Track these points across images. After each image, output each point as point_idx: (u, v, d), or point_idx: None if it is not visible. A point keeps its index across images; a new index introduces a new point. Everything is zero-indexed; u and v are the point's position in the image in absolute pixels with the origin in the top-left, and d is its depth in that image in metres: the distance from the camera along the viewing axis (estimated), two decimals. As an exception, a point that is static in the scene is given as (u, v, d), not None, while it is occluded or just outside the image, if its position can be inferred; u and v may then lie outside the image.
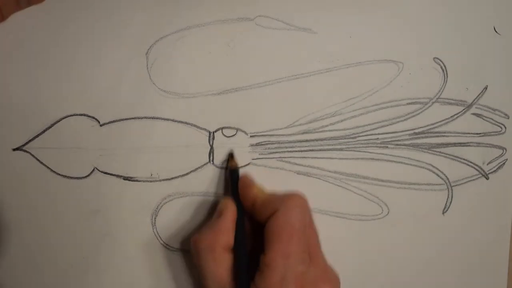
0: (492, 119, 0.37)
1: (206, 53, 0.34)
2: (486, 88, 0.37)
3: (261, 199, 0.31)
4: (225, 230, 0.30)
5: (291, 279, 0.27)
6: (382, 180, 0.36)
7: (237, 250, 0.30)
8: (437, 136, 0.36)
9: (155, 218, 0.34)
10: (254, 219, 0.31)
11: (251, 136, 0.35)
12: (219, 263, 0.29)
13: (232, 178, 0.33)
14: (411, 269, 0.36)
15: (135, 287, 0.34)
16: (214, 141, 0.34)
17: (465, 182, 0.37)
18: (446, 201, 0.36)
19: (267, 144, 0.35)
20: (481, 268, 0.37)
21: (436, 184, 0.36)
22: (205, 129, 0.34)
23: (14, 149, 0.33)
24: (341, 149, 0.36)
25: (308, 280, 0.28)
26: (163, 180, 0.34)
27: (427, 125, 0.36)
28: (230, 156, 0.34)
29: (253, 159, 0.35)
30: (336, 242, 0.36)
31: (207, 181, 0.34)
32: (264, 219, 0.30)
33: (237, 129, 0.35)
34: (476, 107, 0.37)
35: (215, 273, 0.29)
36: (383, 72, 0.36)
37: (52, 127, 0.33)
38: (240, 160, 0.35)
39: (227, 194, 0.35)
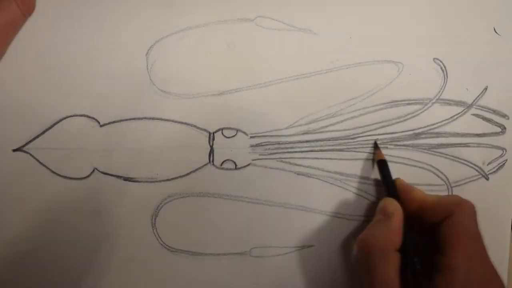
0: (492, 120, 0.37)
1: (206, 54, 0.34)
2: (486, 88, 0.37)
3: (431, 202, 0.32)
4: (397, 232, 0.30)
5: (474, 281, 0.28)
6: (382, 181, 0.36)
7: (408, 252, 0.30)
8: (437, 137, 0.36)
9: (155, 219, 0.34)
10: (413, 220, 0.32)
11: (251, 137, 0.35)
12: (391, 265, 0.29)
13: (382, 170, 0.34)
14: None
15: (135, 288, 0.34)
16: (214, 141, 0.34)
17: (465, 183, 0.37)
18: (446, 202, 0.36)
19: (267, 144, 0.35)
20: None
21: (436, 185, 0.36)
22: (205, 130, 0.34)
23: (14, 150, 0.33)
24: (341, 150, 0.36)
25: (484, 281, 0.29)
26: (163, 180, 0.34)
27: (427, 126, 0.36)
28: (375, 146, 0.35)
29: (253, 160, 0.35)
30: (336, 242, 0.36)
31: (207, 181, 0.34)
32: (435, 221, 0.31)
33: (237, 130, 0.35)
34: (476, 108, 0.37)
35: (385, 275, 0.29)
36: (383, 72, 0.36)
37: (52, 128, 0.33)
38: (239, 161, 0.35)
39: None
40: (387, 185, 0.34)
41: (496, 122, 0.37)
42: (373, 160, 0.36)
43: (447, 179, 0.36)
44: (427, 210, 0.31)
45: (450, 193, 0.36)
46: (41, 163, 0.33)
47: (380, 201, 0.33)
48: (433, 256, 0.30)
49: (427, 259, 0.30)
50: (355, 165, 0.36)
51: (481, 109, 0.37)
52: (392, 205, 0.31)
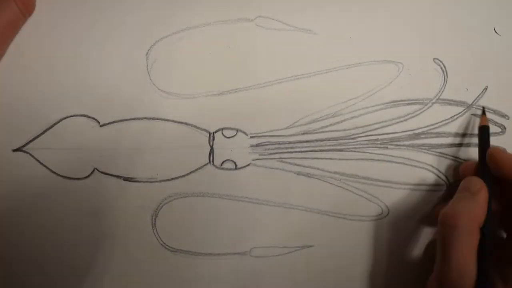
0: (492, 120, 0.37)
1: (206, 54, 0.34)
2: (486, 88, 0.37)
3: None
4: (483, 210, 0.30)
5: None
6: (382, 181, 0.36)
7: (486, 232, 0.30)
8: (437, 137, 0.36)
9: (155, 219, 0.34)
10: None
11: (251, 137, 0.35)
12: (472, 242, 0.29)
13: (482, 138, 0.34)
14: (411, 269, 0.36)
15: (135, 288, 0.34)
16: (214, 141, 0.34)
17: (465, 183, 0.37)
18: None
19: (267, 144, 0.35)
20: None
21: (436, 185, 0.36)
22: (205, 130, 0.34)
23: (14, 150, 0.33)
24: (341, 150, 0.36)
25: None
26: (163, 180, 0.34)
27: (427, 126, 0.36)
28: (483, 112, 0.35)
29: (253, 160, 0.35)
30: (336, 242, 0.36)
31: (207, 181, 0.34)
32: None
33: (237, 130, 0.35)
34: (476, 108, 0.37)
35: (465, 252, 0.29)
36: (383, 72, 0.36)
37: (52, 128, 0.33)
38: (239, 161, 0.35)
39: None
40: (481, 153, 0.33)
41: (496, 122, 0.37)
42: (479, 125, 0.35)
43: (447, 179, 0.36)
44: None
45: (450, 194, 0.36)
46: (41, 163, 0.33)
47: (465, 179, 0.32)
48: None
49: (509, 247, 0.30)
50: (355, 165, 0.36)
51: (481, 109, 0.37)
52: (478, 183, 0.31)
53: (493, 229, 0.31)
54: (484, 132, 0.34)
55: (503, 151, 0.33)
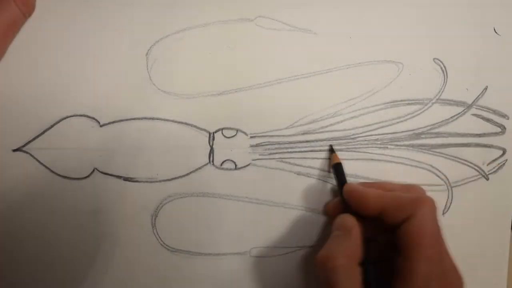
0: (492, 120, 0.37)
1: (206, 54, 0.34)
2: (486, 88, 0.37)
3: (390, 206, 0.30)
4: (358, 246, 0.30)
5: (434, 283, 0.28)
6: (382, 181, 0.36)
7: (367, 266, 0.30)
8: (437, 137, 0.36)
9: (155, 219, 0.34)
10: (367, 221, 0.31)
11: (251, 137, 0.35)
12: (354, 279, 0.29)
13: (337, 174, 0.34)
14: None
15: (135, 288, 0.34)
16: (214, 141, 0.34)
17: (465, 183, 0.37)
18: (446, 202, 0.36)
19: (267, 144, 0.35)
20: (481, 268, 0.37)
21: (436, 185, 0.36)
22: (205, 130, 0.34)
23: (14, 150, 0.33)
24: (341, 150, 0.36)
25: (444, 281, 0.29)
26: (163, 180, 0.34)
27: (427, 126, 0.36)
28: (331, 150, 0.35)
29: (253, 160, 0.35)
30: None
31: (207, 181, 0.34)
32: (395, 223, 0.30)
33: (237, 130, 0.35)
34: (476, 108, 0.37)
35: None
36: (383, 72, 0.36)
37: (52, 128, 0.33)
38: (239, 161, 0.35)
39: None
40: (336, 178, 0.34)
41: (496, 122, 0.37)
42: (328, 165, 0.35)
43: (447, 179, 0.36)
44: (385, 214, 0.30)
45: (450, 193, 0.36)
46: (41, 163, 0.33)
47: (336, 217, 0.32)
48: (395, 259, 0.29)
49: (388, 263, 0.30)
50: (355, 165, 0.36)
51: (481, 109, 0.37)
52: (349, 220, 0.31)
53: (374, 260, 0.30)
54: (338, 170, 0.34)
55: (357, 187, 0.33)
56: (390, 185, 0.34)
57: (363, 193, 0.32)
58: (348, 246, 0.30)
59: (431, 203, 0.30)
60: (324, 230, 0.35)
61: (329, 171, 0.35)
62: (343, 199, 0.33)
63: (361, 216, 0.31)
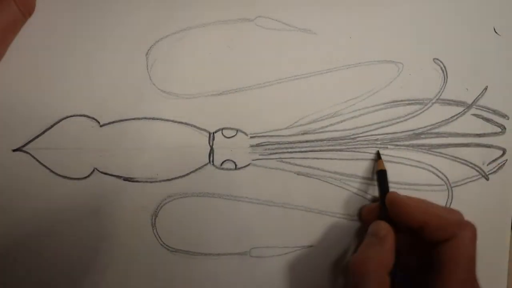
0: (492, 120, 0.37)
1: (206, 54, 0.34)
2: (486, 88, 0.37)
3: (433, 222, 0.30)
4: (390, 255, 0.30)
5: None
6: (382, 181, 0.36)
7: (394, 277, 0.30)
8: (437, 137, 0.36)
9: (155, 219, 0.34)
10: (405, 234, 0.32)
11: (251, 137, 0.35)
12: (384, 286, 0.29)
13: (381, 181, 0.34)
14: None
15: (135, 288, 0.35)
16: (214, 141, 0.34)
17: (465, 183, 0.37)
18: (446, 202, 0.36)
19: (267, 144, 0.35)
20: (481, 268, 0.37)
21: (436, 185, 0.36)
22: (205, 130, 0.34)
23: (14, 150, 0.33)
24: (341, 150, 0.36)
25: None
26: (163, 180, 0.34)
27: (427, 126, 0.36)
28: (378, 156, 0.35)
29: (253, 160, 0.35)
30: (336, 242, 0.36)
31: (207, 181, 0.34)
32: (435, 241, 0.30)
33: (237, 130, 0.35)
34: (476, 108, 0.37)
35: None
36: (383, 72, 0.36)
37: (52, 128, 0.33)
38: (239, 161, 0.35)
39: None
40: (382, 197, 0.33)
41: (496, 122, 0.37)
42: (372, 171, 0.35)
43: (447, 179, 0.36)
44: (427, 229, 0.31)
45: (450, 193, 0.36)
46: (41, 163, 0.33)
47: (373, 223, 0.32)
48: (427, 275, 0.30)
49: (419, 277, 0.30)
50: (355, 165, 0.36)
51: (481, 109, 0.37)
52: (384, 228, 0.31)
53: (402, 273, 0.31)
54: (382, 176, 0.34)
55: (401, 196, 0.33)
56: (432, 203, 0.33)
57: (408, 203, 0.32)
58: (381, 253, 0.30)
59: (473, 229, 0.30)
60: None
61: (372, 178, 0.36)
62: (382, 206, 0.33)
63: (395, 226, 0.31)
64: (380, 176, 0.34)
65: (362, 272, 0.29)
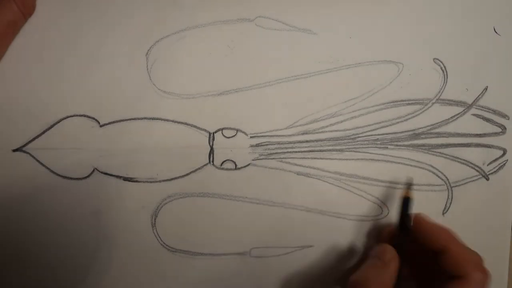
0: (492, 120, 0.37)
1: (206, 54, 0.34)
2: (486, 88, 0.37)
3: (456, 251, 0.31)
4: (392, 281, 0.30)
5: None
6: (382, 181, 0.36)
7: None
8: (437, 137, 0.36)
9: (155, 219, 0.34)
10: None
11: (251, 137, 0.35)
12: None
13: (404, 207, 0.33)
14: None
15: (135, 288, 0.35)
16: (214, 142, 0.34)
17: (465, 183, 0.37)
18: (446, 202, 0.36)
19: (267, 145, 0.35)
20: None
21: (436, 185, 0.36)
22: (205, 130, 0.34)
23: (14, 150, 0.33)
24: (341, 150, 0.36)
25: None
26: (163, 180, 0.34)
27: (427, 126, 0.36)
28: (409, 186, 0.34)
29: (253, 160, 0.35)
30: (336, 242, 0.36)
31: (207, 182, 0.34)
32: (448, 272, 0.30)
33: (237, 130, 0.35)
34: (476, 108, 0.37)
35: None
36: (383, 72, 0.36)
37: (52, 128, 0.33)
38: (239, 161, 0.35)
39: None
40: (402, 220, 0.33)
41: (496, 122, 0.37)
42: (400, 196, 0.35)
43: (447, 179, 0.36)
44: (446, 257, 0.30)
45: (450, 194, 0.36)
46: (41, 163, 0.33)
47: (377, 246, 0.32)
48: None
49: None
50: (355, 165, 0.36)
51: (481, 109, 0.37)
52: (390, 252, 0.31)
53: None
54: (406, 203, 0.34)
55: (429, 218, 0.33)
56: (458, 236, 0.33)
57: (435, 225, 0.32)
58: (383, 277, 0.30)
59: (488, 275, 0.30)
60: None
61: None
62: (400, 230, 0.33)
63: (404, 253, 0.31)
64: (405, 203, 0.34)
65: None
